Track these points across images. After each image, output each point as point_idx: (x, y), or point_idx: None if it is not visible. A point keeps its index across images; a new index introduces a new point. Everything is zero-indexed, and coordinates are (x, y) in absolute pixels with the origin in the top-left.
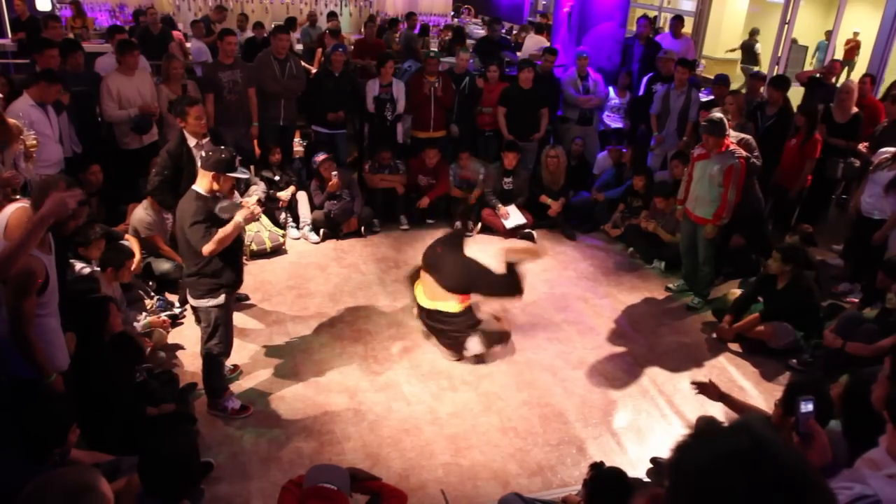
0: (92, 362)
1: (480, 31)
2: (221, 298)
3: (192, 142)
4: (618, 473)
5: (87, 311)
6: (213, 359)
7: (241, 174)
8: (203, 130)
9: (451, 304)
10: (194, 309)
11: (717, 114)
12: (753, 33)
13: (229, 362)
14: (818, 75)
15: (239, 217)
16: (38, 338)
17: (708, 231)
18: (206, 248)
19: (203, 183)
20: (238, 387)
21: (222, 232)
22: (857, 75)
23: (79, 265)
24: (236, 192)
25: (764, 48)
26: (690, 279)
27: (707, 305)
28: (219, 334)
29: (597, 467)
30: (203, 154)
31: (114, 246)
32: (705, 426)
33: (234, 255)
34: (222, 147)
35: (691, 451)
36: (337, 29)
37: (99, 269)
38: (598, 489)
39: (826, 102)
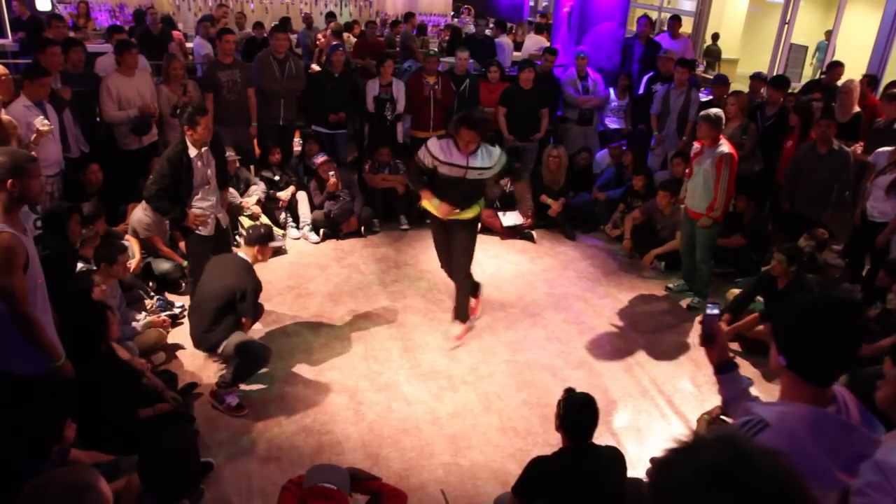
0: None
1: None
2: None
3: (192, 151)
4: (587, 398)
5: (85, 318)
6: (253, 354)
7: (277, 243)
8: (208, 140)
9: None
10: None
11: (716, 109)
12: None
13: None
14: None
15: None
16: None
17: (702, 222)
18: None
19: (249, 253)
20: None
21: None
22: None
23: (80, 265)
24: (235, 192)
25: (764, 48)
26: (690, 279)
27: None
28: (247, 359)
29: (570, 391)
30: (246, 231)
31: (105, 241)
32: (686, 440)
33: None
34: (258, 224)
35: (670, 468)
36: (340, 28)
37: (95, 268)
38: (570, 410)
39: (826, 103)
